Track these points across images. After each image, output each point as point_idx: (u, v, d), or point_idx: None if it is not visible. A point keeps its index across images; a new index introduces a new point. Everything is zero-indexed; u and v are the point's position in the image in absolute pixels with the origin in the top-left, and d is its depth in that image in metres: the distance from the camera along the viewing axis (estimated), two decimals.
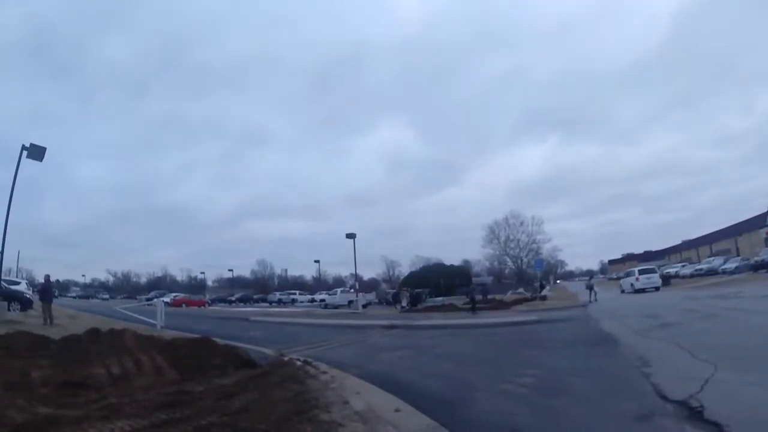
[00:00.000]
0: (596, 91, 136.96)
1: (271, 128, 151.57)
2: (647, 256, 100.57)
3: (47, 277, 19.86)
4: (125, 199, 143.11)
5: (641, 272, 37.10)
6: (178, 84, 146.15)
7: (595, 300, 29.20)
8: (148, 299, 42.74)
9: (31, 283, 41.18)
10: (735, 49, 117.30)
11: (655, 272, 38.35)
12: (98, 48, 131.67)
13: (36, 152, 18.95)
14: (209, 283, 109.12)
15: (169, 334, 14.01)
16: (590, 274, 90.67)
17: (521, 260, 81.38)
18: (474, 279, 77.90)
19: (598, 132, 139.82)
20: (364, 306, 39.55)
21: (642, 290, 34.38)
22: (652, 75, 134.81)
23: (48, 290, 18.54)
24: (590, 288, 31.66)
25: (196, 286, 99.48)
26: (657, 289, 34.64)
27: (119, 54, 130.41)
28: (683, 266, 58.02)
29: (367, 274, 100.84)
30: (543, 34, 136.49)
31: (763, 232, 55.82)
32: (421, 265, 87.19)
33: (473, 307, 27.90)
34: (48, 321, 16.97)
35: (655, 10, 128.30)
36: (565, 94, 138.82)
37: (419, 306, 36.29)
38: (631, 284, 36.32)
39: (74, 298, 73.85)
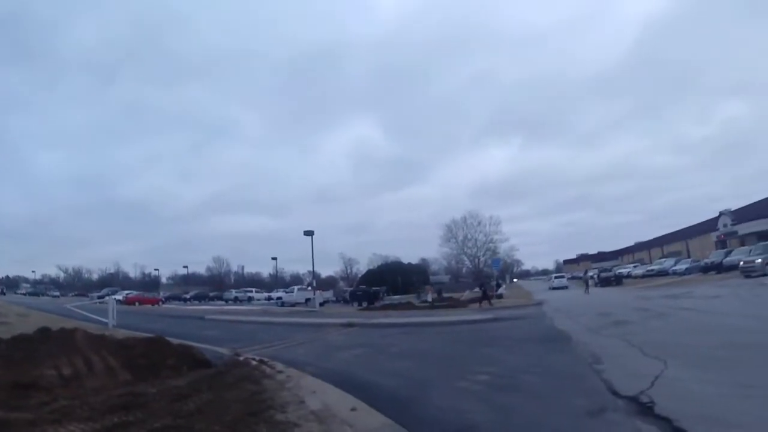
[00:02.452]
0: (562, 97, 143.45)
1: (239, 122, 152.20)
2: (601, 257, 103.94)
3: None
4: (82, 191, 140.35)
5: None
6: (148, 72, 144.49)
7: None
8: (99, 297, 41.50)
9: None
10: (695, 63, 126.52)
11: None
12: (67, 30, 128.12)
13: None
14: (163, 280, 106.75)
15: (122, 333, 13.70)
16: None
17: (478, 259, 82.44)
18: (431, 278, 78.84)
19: (560, 137, 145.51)
20: (322, 304, 39.39)
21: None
22: (616, 85, 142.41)
23: None
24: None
25: (149, 283, 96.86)
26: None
27: (89, 38, 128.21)
28: (635, 267, 60.14)
29: (325, 272, 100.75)
30: (515, 41, 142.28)
31: (713, 235, 58.31)
32: (379, 263, 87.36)
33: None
34: None
35: (623, 24, 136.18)
36: (532, 99, 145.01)
37: (376, 304, 36.45)
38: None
39: (24, 294, 71.30)
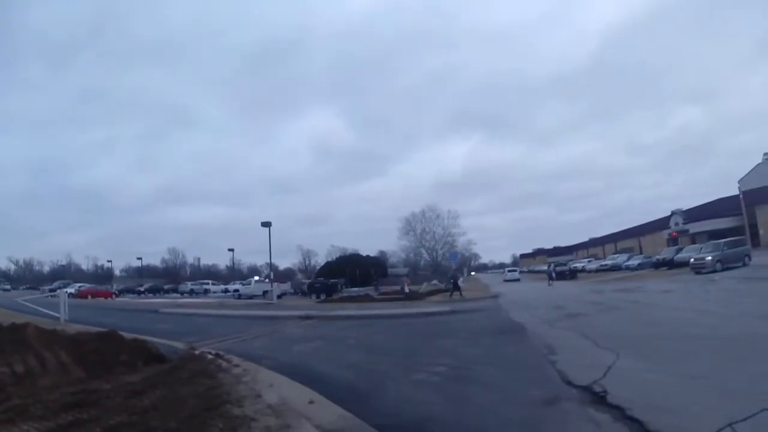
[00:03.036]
0: (523, 96, 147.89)
1: (198, 109, 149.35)
2: (556, 252, 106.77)
3: None
4: (34, 178, 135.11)
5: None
6: (106, 55, 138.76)
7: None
8: (51, 290, 40.26)
9: None
10: (653, 69, 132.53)
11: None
12: (21, 9, 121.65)
13: None
14: (117, 272, 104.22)
15: (74, 328, 13.42)
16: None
17: (437, 252, 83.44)
18: (390, 270, 79.35)
19: (520, 134, 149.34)
20: (279, 296, 39.18)
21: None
22: (576, 86, 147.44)
23: None
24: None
25: (102, 275, 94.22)
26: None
27: (43, 16, 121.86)
28: (590, 261, 61.98)
29: (282, 264, 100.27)
30: (479, 38, 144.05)
31: (665, 233, 60.69)
32: (338, 255, 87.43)
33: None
34: None
35: (584, 29, 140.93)
36: (493, 96, 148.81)
37: (335, 296, 36.52)
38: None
39: None
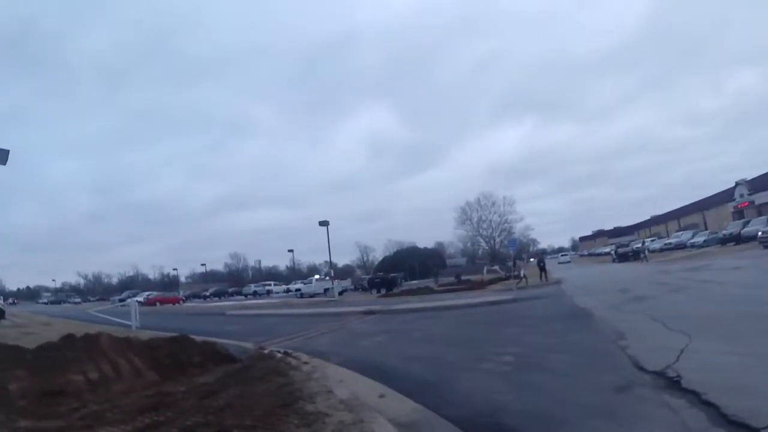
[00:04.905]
0: (573, 74, 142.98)
1: (253, 117, 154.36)
2: (617, 232, 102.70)
3: None
4: (98, 197, 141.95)
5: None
6: (159, 75, 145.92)
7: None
8: (121, 300, 42.00)
9: (1, 292, 40.14)
10: (705, 33, 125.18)
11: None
12: (76, 39, 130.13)
13: None
14: (182, 279, 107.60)
15: (146, 334, 13.78)
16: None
17: (494, 240, 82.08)
18: (448, 260, 78.69)
19: (574, 113, 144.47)
20: (340, 293, 39.50)
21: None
22: (628, 58, 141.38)
23: None
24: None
25: (168, 283, 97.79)
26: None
27: (98, 45, 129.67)
28: (653, 241, 58.94)
29: (341, 261, 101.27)
30: (524, 20, 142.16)
31: (729, 206, 57.27)
32: (395, 250, 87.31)
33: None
34: None
35: None
36: (544, 77, 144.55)
37: (395, 290, 36.49)
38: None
39: (45, 304, 72.40)
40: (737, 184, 56.75)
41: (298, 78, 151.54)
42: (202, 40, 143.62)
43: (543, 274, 29.40)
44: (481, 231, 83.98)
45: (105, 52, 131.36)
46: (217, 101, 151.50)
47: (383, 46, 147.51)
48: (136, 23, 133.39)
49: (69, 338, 9.24)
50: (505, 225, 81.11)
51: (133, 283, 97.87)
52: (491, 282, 32.79)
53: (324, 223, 36.32)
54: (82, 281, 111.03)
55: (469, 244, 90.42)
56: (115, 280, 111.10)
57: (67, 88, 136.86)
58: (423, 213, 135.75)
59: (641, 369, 5.93)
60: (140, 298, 44.33)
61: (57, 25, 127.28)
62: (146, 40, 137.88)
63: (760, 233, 28.35)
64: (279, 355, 9.24)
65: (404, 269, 58.33)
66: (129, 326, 18.84)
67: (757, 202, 50.15)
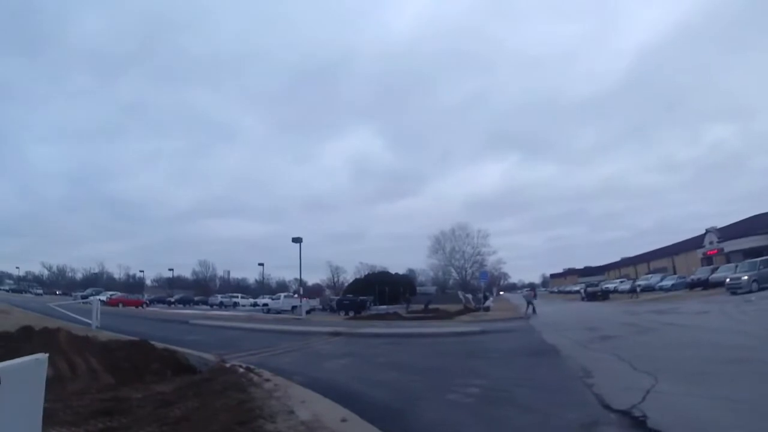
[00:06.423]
0: (558, 116, 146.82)
1: (239, 125, 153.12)
2: (587, 271, 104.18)
3: None
4: (72, 187, 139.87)
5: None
6: (151, 70, 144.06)
7: (534, 313, 29.10)
8: (83, 297, 40.93)
9: None
10: (684, 89, 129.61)
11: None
12: (73, 22, 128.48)
13: None
14: (148, 282, 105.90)
15: (105, 335, 13.41)
16: (531, 285, 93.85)
17: (466, 271, 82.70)
18: (418, 288, 78.85)
19: (554, 154, 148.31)
20: (308, 312, 39.11)
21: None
22: (610, 107, 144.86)
23: None
24: (529, 301, 31.68)
25: (134, 284, 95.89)
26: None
27: (94, 30, 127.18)
28: (622, 282, 59.89)
29: (311, 280, 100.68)
30: (516, 60, 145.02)
31: (699, 252, 58.68)
32: (366, 272, 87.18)
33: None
34: None
35: (617, 51, 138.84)
36: (529, 117, 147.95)
37: (363, 313, 36.27)
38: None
39: (7, 291, 70.25)
40: (707, 231, 58.26)
41: (288, 91, 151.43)
42: (199, 40, 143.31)
43: (530, 307, 30.13)
44: (453, 261, 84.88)
45: (100, 39, 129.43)
46: (205, 104, 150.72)
47: (377, 70, 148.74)
48: (136, 14, 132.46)
49: (27, 330, 8.97)
50: (478, 257, 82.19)
51: (97, 281, 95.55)
52: (460, 312, 32.76)
53: (297, 240, 36.16)
54: (46, 272, 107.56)
55: (440, 273, 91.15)
56: (79, 275, 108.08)
57: (56, 72, 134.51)
58: (397, 238, 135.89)
59: (607, 407, 5.95)
60: (103, 297, 43.19)
61: (56, 4, 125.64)
62: (144, 32, 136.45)
63: (728, 279, 29.09)
64: (241, 369, 9.05)
65: (374, 293, 58.26)
66: (89, 325, 18.39)
67: (726, 250, 51.46)
